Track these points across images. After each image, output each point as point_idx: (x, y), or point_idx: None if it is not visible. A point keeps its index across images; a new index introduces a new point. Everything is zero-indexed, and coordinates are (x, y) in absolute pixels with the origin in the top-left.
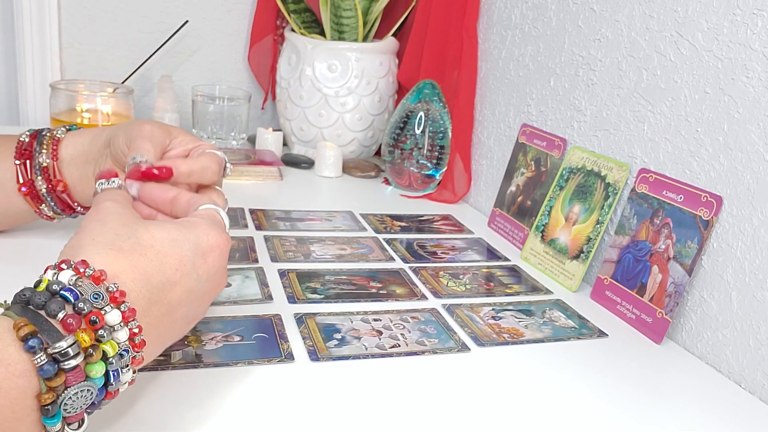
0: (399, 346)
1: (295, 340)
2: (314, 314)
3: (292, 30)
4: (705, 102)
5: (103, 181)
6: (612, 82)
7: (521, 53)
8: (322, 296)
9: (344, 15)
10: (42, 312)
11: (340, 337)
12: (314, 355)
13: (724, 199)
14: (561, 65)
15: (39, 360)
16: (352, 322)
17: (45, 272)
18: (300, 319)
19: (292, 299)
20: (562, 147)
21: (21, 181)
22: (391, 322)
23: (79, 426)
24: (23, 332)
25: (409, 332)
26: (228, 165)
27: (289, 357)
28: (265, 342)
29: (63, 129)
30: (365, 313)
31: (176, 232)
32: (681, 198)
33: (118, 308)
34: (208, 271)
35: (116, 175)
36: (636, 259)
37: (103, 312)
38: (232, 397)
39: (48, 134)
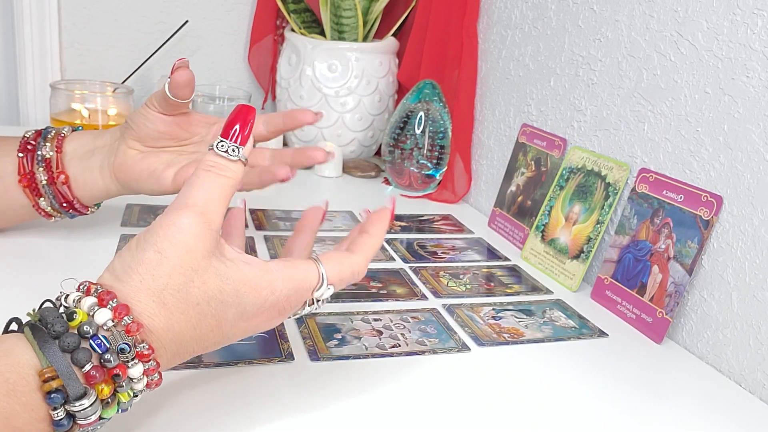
0: (399, 346)
1: (296, 340)
2: (314, 314)
3: (292, 30)
4: (705, 102)
5: (226, 142)
6: (612, 82)
7: (521, 53)
8: None
9: (344, 15)
10: (68, 356)
11: (340, 336)
12: (314, 355)
13: (725, 199)
14: (561, 65)
15: (57, 415)
16: (352, 321)
17: (88, 293)
18: (300, 319)
19: None
20: (562, 147)
21: (22, 173)
22: (392, 321)
23: None
24: (48, 387)
25: (410, 332)
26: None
27: (289, 357)
28: (265, 342)
29: (69, 128)
30: (365, 312)
31: (233, 295)
32: (681, 198)
33: (143, 363)
34: (244, 329)
35: (249, 135)
36: (636, 258)
37: (127, 366)
38: (231, 398)
39: (53, 131)
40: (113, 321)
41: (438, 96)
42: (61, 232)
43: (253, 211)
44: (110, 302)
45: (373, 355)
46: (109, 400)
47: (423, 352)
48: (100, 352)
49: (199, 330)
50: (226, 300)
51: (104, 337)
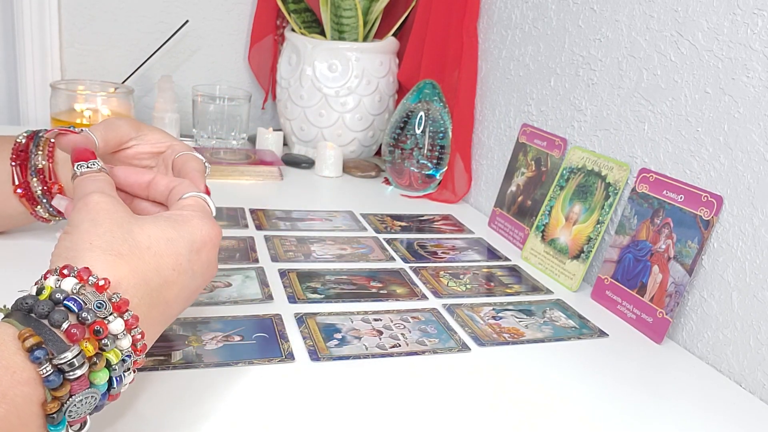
0: (399, 346)
1: (296, 340)
2: (314, 314)
3: (293, 30)
4: (705, 102)
5: (82, 163)
6: (612, 82)
7: (521, 53)
8: (323, 296)
9: (344, 15)
10: (45, 321)
11: (340, 336)
12: (314, 355)
13: (725, 199)
14: (561, 65)
15: (44, 371)
16: (352, 321)
17: (46, 278)
18: (300, 319)
19: (292, 299)
20: (562, 147)
21: (16, 182)
22: (392, 321)
23: (82, 427)
24: (29, 343)
25: (410, 332)
26: (207, 166)
27: (290, 357)
28: (265, 342)
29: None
30: (365, 312)
31: (171, 230)
32: (681, 198)
33: (122, 317)
34: (202, 265)
35: (94, 156)
36: (636, 258)
37: (106, 321)
38: (232, 397)
39: (44, 136)
40: (80, 284)
41: (438, 96)
42: (57, 234)
43: (253, 211)
44: (71, 272)
45: (373, 355)
46: (96, 360)
47: (423, 352)
48: (77, 311)
49: (162, 272)
50: (170, 236)
51: (78, 298)
